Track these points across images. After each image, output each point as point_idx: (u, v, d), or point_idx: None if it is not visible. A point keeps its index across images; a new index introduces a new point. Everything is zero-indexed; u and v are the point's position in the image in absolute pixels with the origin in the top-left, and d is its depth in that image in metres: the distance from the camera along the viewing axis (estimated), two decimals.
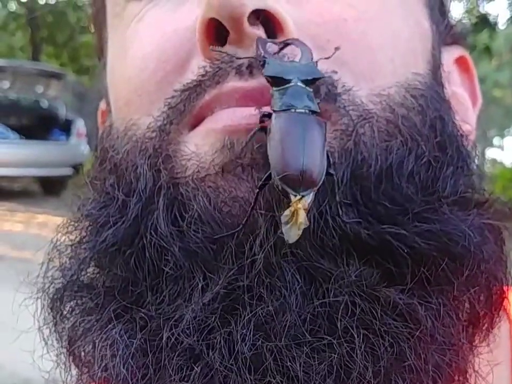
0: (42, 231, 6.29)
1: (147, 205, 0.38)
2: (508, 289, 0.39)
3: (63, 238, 0.42)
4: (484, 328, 0.38)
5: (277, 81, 0.35)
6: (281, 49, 0.37)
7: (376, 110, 0.38)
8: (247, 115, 0.36)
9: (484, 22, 7.08)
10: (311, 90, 0.35)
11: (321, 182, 0.33)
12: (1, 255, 5.26)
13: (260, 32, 0.37)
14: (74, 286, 0.40)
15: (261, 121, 0.35)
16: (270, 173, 0.34)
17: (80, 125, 8.88)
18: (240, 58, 0.37)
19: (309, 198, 0.33)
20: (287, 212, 0.32)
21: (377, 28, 0.40)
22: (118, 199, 0.39)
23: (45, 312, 0.41)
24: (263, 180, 0.34)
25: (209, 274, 0.35)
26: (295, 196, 0.32)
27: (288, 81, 0.35)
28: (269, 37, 0.37)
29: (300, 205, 0.32)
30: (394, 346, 0.34)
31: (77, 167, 8.50)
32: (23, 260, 5.03)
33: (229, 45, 0.37)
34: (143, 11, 0.43)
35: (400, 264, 0.35)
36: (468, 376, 0.36)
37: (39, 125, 8.83)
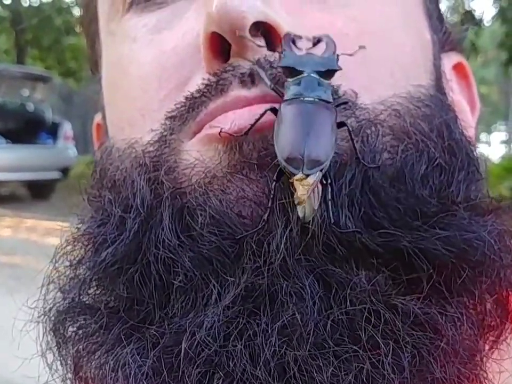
0: (31, 236, 6.26)
1: (148, 219, 0.37)
2: None
3: (62, 258, 0.41)
4: (500, 337, 0.37)
5: (291, 72, 0.36)
6: (314, 45, 0.37)
7: (382, 116, 0.37)
8: (250, 117, 0.36)
9: (469, 19, 7.11)
10: (328, 81, 0.36)
11: (328, 162, 0.34)
12: None
13: (261, 43, 0.37)
14: (76, 308, 0.39)
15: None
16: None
17: (67, 128, 8.85)
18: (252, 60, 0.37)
19: (314, 176, 0.33)
20: (298, 192, 0.33)
21: (379, 42, 0.40)
22: (115, 216, 0.38)
23: (48, 336, 0.40)
24: (278, 170, 0.34)
25: (225, 280, 0.34)
26: (297, 174, 0.33)
27: (301, 72, 0.36)
28: (269, 49, 0.37)
29: (302, 182, 0.33)
30: (416, 357, 0.33)
31: (64, 171, 8.49)
32: (12, 265, 5.01)
33: (232, 57, 0.37)
34: (137, 31, 0.43)
35: (417, 271, 0.34)
36: None
37: (25, 128, 8.78)
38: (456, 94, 0.47)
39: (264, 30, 0.37)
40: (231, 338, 0.33)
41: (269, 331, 0.33)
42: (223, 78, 0.37)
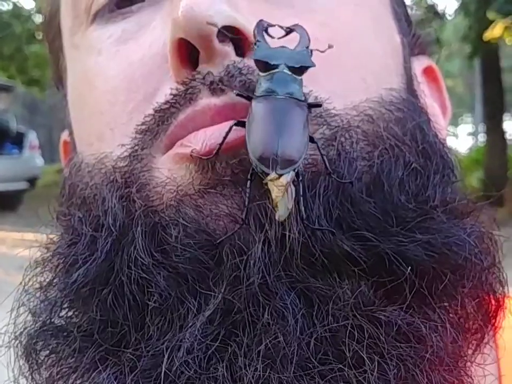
0: (0, 248, 6.17)
1: (120, 238, 0.35)
2: (504, 299, 0.38)
3: (32, 280, 0.39)
4: (482, 340, 0.36)
5: (263, 65, 0.35)
6: (286, 34, 0.37)
7: (354, 122, 0.37)
8: (221, 133, 0.35)
9: (432, 13, 7.17)
10: (300, 78, 0.35)
11: (301, 160, 0.33)
12: None
13: (230, 49, 0.36)
14: (48, 331, 0.37)
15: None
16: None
17: (32, 137, 8.80)
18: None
19: (288, 176, 0.32)
20: (272, 193, 0.32)
21: (350, 47, 0.39)
22: (86, 235, 0.37)
23: (20, 361, 0.38)
24: (252, 168, 0.33)
25: (201, 299, 0.33)
26: (270, 174, 0.32)
27: (274, 66, 0.35)
28: (237, 54, 0.36)
29: (275, 182, 0.32)
30: (402, 369, 0.32)
31: (31, 181, 8.42)
32: None
33: (201, 64, 0.36)
34: (102, 43, 0.42)
35: (398, 279, 0.33)
36: None
37: None
38: (427, 98, 0.46)
39: (233, 34, 0.36)
40: (212, 361, 0.32)
41: (251, 353, 0.32)
42: (192, 87, 0.36)
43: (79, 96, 0.44)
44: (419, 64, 0.49)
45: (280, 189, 0.32)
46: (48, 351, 0.37)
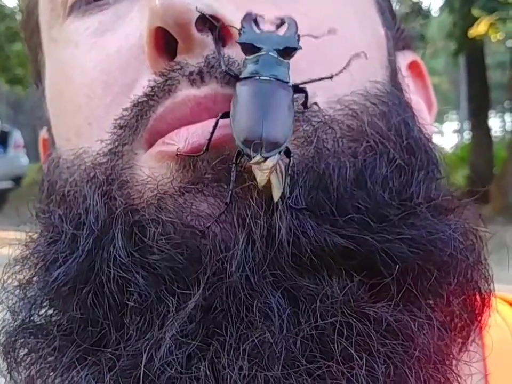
0: None
1: (101, 237, 0.35)
2: (490, 297, 0.38)
3: (11, 278, 0.39)
4: (468, 338, 0.36)
5: (249, 48, 0.35)
6: (278, 27, 0.36)
7: (338, 116, 0.36)
8: (204, 133, 0.34)
9: (417, 10, 7.19)
10: (286, 61, 0.35)
11: (286, 143, 0.33)
12: None
13: (209, 39, 0.36)
14: (27, 330, 0.37)
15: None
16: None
17: (17, 136, 8.76)
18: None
19: (274, 159, 0.32)
20: (257, 177, 0.32)
21: (333, 38, 0.38)
22: (67, 233, 0.36)
23: None
24: (237, 151, 0.33)
25: (180, 299, 0.33)
26: (255, 157, 0.32)
27: (259, 49, 0.35)
28: (216, 43, 0.36)
29: (260, 166, 0.32)
30: (390, 367, 0.32)
31: (16, 180, 8.38)
32: None
33: (179, 55, 0.36)
34: (79, 35, 0.41)
35: (384, 276, 0.33)
36: None
37: None
38: (412, 93, 0.45)
39: (211, 23, 0.35)
40: (194, 360, 0.32)
41: (235, 352, 0.31)
42: (170, 77, 0.35)
43: (56, 91, 0.44)
44: (404, 59, 0.48)
45: (265, 172, 0.31)
46: (27, 350, 0.37)
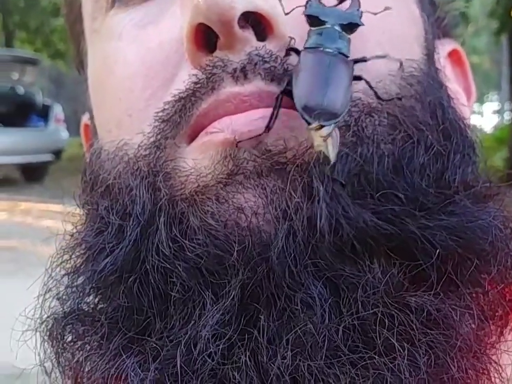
0: (26, 219, 6.25)
1: (146, 227, 0.36)
2: None
3: (59, 267, 0.40)
4: (506, 327, 0.36)
5: (314, 21, 0.36)
6: (340, 2, 0.37)
7: (375, 104, 0.36)
8: (246, 122, 0.34)
9: None
10: (348, 36, 0.36)
11: (343, 114, 0.33)
12: None
13: (250, 35, 0.35)
14: (75, 317, 0.38)
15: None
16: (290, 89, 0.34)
17: (57, 110, 8.83)
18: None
19: (329, 129, 0.32)
20: (314, 142, 0.33)
21: (368, 16, 0.37)
22: (114, 224, 0.37)
23: (45, 345, 0.39)
24: (284, 88, 0.34)
25: (220, 291, 0.33)
26: (313, 123, 0.33)
27: (323, 22, 0.36)
28: (258, 39, 0.36)
29: (317, 132, 0.32)
30: (432, 357, 0.32)
31: (57, 153, 8.48)
32: (9, 248, 5.01)
33: (219, 50, 0.36)
34: (122, 27, 0.41)
35: (423, 263, 0.33)
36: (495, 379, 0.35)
37: (16, 112, 8.75)
38: (451, 82, 0.45)
39: (253, 20, 0.35)
40: (235, 351, 0.32)
41: (278, 341, 0.32)
42: (213, 74, 0.35)
43: (98, 82, 0.44)
44: (443, 48, 0.47)
45: (321, 138, 0.32)
46: (74, 336, 0.38)
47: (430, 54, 0.42)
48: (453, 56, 0.49)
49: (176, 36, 0.38)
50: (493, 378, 0.34)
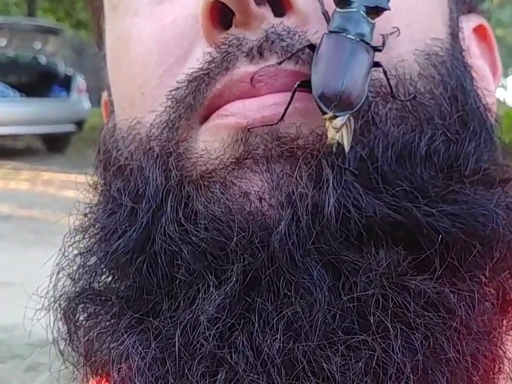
0: (48, 189, 6.31)
1: (158, 209, 0.36)
2: None
3: (71, 247, 0.41)
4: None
5: (341, 1, 0.35)
6: None
7: (393, 88, 0.36)
8: (259, 107, 0.34)
9: None
10: (373, 22, 0.35)
11: (359, 106, 0.33)
12: (9, 214, 5.29)
13: (267, 11, 0.35)
14: (88, 297, 0.39)
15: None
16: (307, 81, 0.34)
17: (80, 81, 8.84)
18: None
19: (343, 120, 0.32)
20: (328, 133, 0.33)
21: None
22: (126, 206, 0.37)
23: (58, 323, 0.40)
24: (300, 82, 0.34)
25: (222, 274, 0.34)
26: (327, 113, 0.33)
27: (350, 2, 0.35)
28: (276, 15, 0.35)
29: (331, 123, 0.32)
30: (429, 339, 0.32)
31: (79, 123, 8.51)
32: (31, 218, 5.07)
33: (235, 27, 0.35)
34: (139, 3, 0.41)
35: (427, 250, 0.33)
36: (502, 363, 0.35)
37: (38, 82, 8.80)
38: (476, 58, 0.44)
39: None
40: (233, 333, 0.33)
41: (272, 324, 0.32)
42: (228, 53, 0.35)
43: (114, 59, 0.44)
44: (469, 24, 0.46)
45: (335, 130, 0.32)
46: (86, 315, 0.39)
47: (454, 33, 0.41)
48: (479, 31, 0.48)
49: (192, 12, 0.37)
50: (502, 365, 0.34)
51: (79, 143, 7.90)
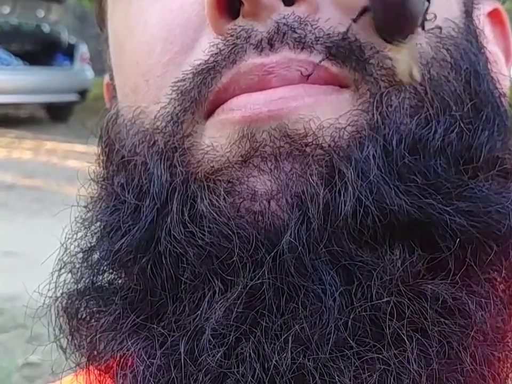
0: (51, 158, 6.32)
1: (163, 207, 0.35)
2: None
3: (73, 244, 0.40)
4: None
5: None
6: None
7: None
8: (266, 101, 0.33)
9: None
10: None
11: (418, 26, 0.34)
12: (12, 183, 5.31)
13: (277, 1, 0.33)
14: (89, 295, 0.38)
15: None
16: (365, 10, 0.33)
17: (83, 50, 8.80)
18: None
19: (410, 45, 0.33)
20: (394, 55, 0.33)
21: None
22: (130, 204, 0.36)
23: (60, 321, 0.39)
24: (359, 13, 0.33)
25: (228, 280, 0.32)
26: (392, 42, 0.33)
27: None
28: (286, 4, 0.34)
29: (401, 51, 0.33)
30: (445, 347, 0.31)
31: (82, 93, 8.48)
32: (34, 188, 5.07)
33: (243, 18, 0.34)
34: None
35: (442, 251, 0.32)
36: None
37: (42, 50, 8.75)
38: (491, 44, 0.42)
39: None
40: (239, 343, 0.32)
41: (282, 336, 0.31)
42: (236, 45, 0.34)
43: (118, 43, 0.42)
44: (484, 7, 0.44)
45: (404, 53, 0.32)
46: (89, 316, 0.38)
47: (468, 14, 0.40)
48: (493, 16, 0.47)
49: None
50: None
51: (82, 113, 7.88)
